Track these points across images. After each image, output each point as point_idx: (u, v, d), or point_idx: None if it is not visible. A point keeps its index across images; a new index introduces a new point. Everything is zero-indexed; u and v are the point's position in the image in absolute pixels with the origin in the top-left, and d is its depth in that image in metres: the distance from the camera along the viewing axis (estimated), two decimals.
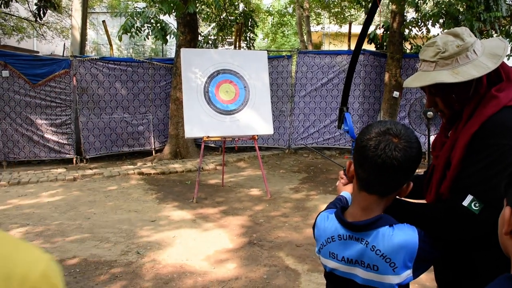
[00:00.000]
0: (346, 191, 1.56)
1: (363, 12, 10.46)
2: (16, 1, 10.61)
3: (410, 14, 12.21)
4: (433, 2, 9.21)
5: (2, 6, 8.41)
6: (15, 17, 14.99)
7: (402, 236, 1.22)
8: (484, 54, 1.39)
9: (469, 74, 1.35)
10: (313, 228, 1.45)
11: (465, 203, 1.26)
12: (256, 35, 12.38)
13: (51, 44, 17.08)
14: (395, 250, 1.21)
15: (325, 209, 1.46)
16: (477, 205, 1.24)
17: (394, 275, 1.22)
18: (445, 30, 1.46)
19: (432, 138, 7.28)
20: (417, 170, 1.28)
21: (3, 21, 14.40)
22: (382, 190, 1.26)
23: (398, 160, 1.18)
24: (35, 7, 9.05)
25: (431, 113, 6.95)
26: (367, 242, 1.24)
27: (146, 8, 6.83)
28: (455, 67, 1.38)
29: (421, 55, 1.47)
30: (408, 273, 1.23)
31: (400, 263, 1.21)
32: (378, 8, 1.91)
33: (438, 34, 9.22)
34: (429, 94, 1.50)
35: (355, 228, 1.27)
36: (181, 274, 3.63)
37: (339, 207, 1.38)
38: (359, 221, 1.27)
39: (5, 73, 7.75)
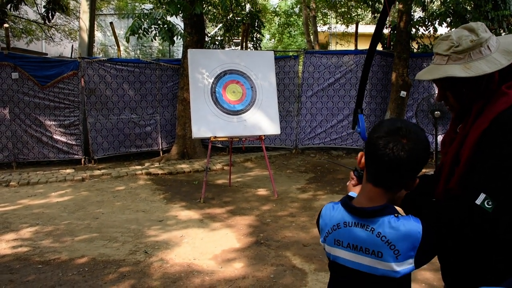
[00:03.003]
0: (355, 192, 1.59)
1: (370, 11, 10.44)
2: (25, 4, 10.72)
3: (417, 13, 12.18)
4: (440, 1, 9.17)
5: (12, 9, 8.51)
6: (24, 19, 15.15)
7: (408, 225, 1.26)
8: (498, 51, 1.39)
9: (480, 70, 1.36)
10: (317, 220, 1.49)
11: (478, 201, 1.25)
12: (262, 35, 12.39)
13: (59, 46, 17.26)
14: (401, 238, 1.25)
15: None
16: (490, 203, 1.24)
17: (396, 262, 1.26)
18: (462, 25, 1.45)
19: (439, 137, 7.25)
20: (424, 170, 1.29)
21: (12, 24, 14.56)
22: (388, 185, 1.32)
23: (404, 161, 1.24)
24: (43, 9, 9.14)
25: (438, 112, 6.92)
26: (372, 229, 1.29)
27: (153, 10, 6.87)
28: (468, 62, 1.38)
29: (435, 48, 1.48)
30: (410, 262, 1.27)
31: (403, 251, 1.25)
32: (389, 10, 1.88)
33: (445, 33, 9.19)
34: (441, 88, 1.51)
35: (362, 214, 1.32)
36: (188, 273, 3.66)
37: (346, 196, 1.43)
38: (367, 207, 1.31)
39: (15, 75, 7.85)
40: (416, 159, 1.25)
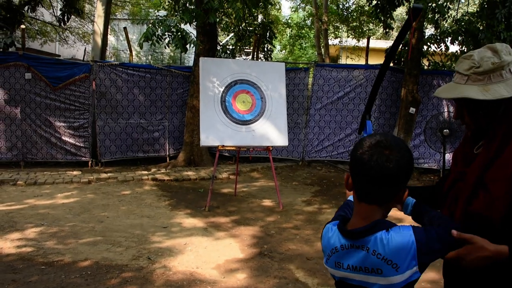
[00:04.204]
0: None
1: (382, 27, 10.47)
2: (42, 6, 10.88)
3: (429, 30, 12.18)
4: (453, 19, 9.17)
5: (29, 11, 8.65)
6: (40, 21, 15.36)
7: (398, 238, 1.26)
8: None
9: (498, 93, 1.35)
10: (321, 239, 1.50)
11: None
12: (274, 46, 12.45)
13: (72, 49, 17.44)
14: (395, 252, 1.24)
15: (332, 219, 1.52)
16: None
17: (398, 275, 1.25)
18: (488, 44, 1.45)
19: (447, 156, 7.21)
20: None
21: (28, 25, 14.76)
22: (381, 199, 1.32)
23: (391, 170, 1.24)
24: (59, 12, 9.28)
25: (447, 130, 6.91)
26: (367, 248, 1.28)
27: (167, 17, 6.95)
28: (487, 84, 1.38)
29: (457, 66, 1.47)
30: (414, 270, 1.26)
31: (402, 263, 1.25)
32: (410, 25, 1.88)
33: (456, 52, 9.20)
34: (458, 105, 1.51)
35: (354, 236, 1.31)
36: (191, 281, 3.65)
37: (341, 219, 1.42)
38: (357, 228, 1.32)
39: (28, 75, 7.94)
40: (403, 168, 1.26)
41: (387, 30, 9.99)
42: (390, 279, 1.26)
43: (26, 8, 8.76)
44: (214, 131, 5.98)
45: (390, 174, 1.24)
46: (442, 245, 1.29)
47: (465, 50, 8.68)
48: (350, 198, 1.62)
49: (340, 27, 18.95)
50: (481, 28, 8.23)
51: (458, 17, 8.90)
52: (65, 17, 9.09)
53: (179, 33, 6.59)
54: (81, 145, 8.49)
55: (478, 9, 9.19)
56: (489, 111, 1.42)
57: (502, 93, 1.35)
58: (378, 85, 2.03)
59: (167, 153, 9.32)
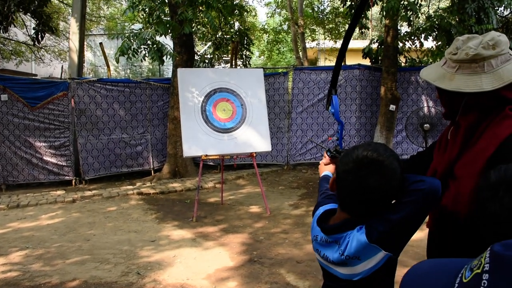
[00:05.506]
0: (328, 171, 1.74)
1: (357, 27, 10.61)
2: (15, 26, 10.73)
3: (404, 28, 12.37)
4: (425, 16, 9.34)
5: (1, 31, 8.51)
6: (13, 41, 15.15)
7: (359, 236, 1.25)
8: (493, 73, 1.32)
9: (455, 85, 1.34)
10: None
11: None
12: (252, 52, 12.50)
13: (49, 67, 17.24)
14: (356, 250, 1.26)
15: (320, 195, 1.60)
16: None
17: (361, 263, 1.27)
18: (500, 33, 1.36)
19: None
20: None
21: (1, 45, 14.55)
22: (363, 214, 1.29)
23: (379, 189, 1.21)
24: (33, 31, 9.16)
25: (427, 125, 7.01)
26: (339, 243, 1.31)
27: (143, 30, 6.92)
28: (454, 73, 1.36)
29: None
30: (381, 255, 1.24)
31: (364, 255, 1.26)
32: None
33: (432, 47, 9.36)
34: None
35: (326, 231, 1.35)
36: None
37: (323, 211, 1.44)
38: (329, 224, 1.36)
39: (4, 97, 7.80)
40: (392, 187, 1.22)
41: (362, 30, 10.12)
42: (354, 269, 1.28)
43: None
44: (197, 141, 5.96)
45: (377, 192, 1.21)
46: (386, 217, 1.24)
47: (440, 46, 8.84)
48: (325, 174, 1.72)
49: (317, 30, 19.11)
50: (453, 23, 8.39)
51: (430, 13, 9.06)
52: (39, 35, 8.98)
53: (155, 46, 6.57)
54: (64, 164, 8.37)
55: (449, 4, 9.38)
56: (449, 99, 1.41)
57: (460, 86, 1.32)
58: (341, 59, 2.03)
59: (151, 166, 9.25)
